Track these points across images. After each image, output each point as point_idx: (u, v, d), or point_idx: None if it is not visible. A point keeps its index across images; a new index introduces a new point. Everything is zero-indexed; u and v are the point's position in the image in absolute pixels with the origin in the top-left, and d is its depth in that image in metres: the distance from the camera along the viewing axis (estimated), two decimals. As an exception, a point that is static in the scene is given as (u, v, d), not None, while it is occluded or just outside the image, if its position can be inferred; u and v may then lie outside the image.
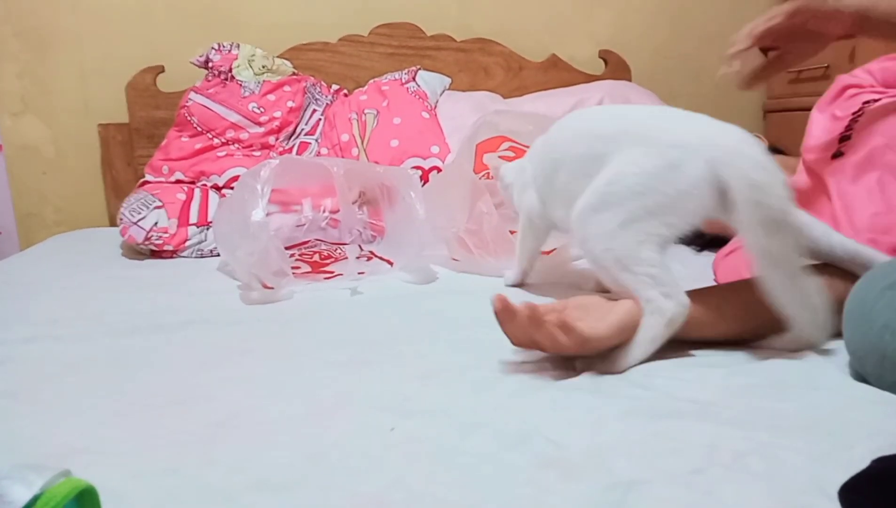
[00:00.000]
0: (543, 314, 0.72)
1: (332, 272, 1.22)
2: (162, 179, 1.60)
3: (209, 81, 1.67)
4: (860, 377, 0.66)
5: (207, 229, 1.41)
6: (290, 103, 1.69)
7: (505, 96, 1.89)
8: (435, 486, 0.51)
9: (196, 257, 1.39)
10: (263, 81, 1.68)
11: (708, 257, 1.19)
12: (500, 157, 1.36)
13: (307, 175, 1.39)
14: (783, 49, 0.95)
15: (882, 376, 0.63)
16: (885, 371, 0.62)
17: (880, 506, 0.42)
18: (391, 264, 1.23)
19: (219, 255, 1.33)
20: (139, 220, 1.38)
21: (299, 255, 1.34)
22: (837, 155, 0.94)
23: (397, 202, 1.26)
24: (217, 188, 1.56)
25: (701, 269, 1.11)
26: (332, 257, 1.32)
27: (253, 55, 1.69)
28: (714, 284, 0.96)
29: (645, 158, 0.77)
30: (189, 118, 1.63)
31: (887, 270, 0.66)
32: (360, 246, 1.37)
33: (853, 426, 0.57)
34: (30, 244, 1.73)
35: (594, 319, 0.73)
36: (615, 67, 2.03)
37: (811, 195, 0.97)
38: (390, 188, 1.30)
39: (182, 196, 1.48)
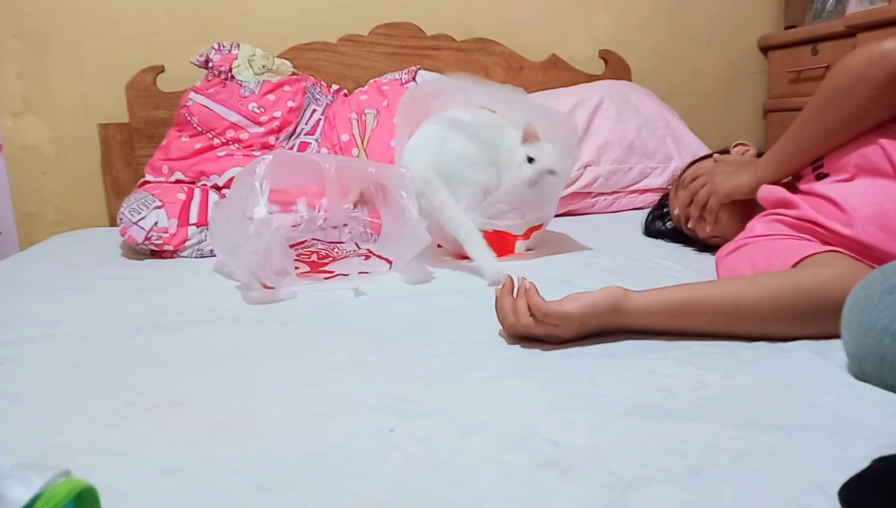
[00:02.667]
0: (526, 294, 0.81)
1: (331, 272, 1.22)
2: (162, 178, 1.60)
3: (209, 80, 1.66)
4: (859, 377, 0.66)
5: (207, 228, 1.41)
6: (290, 103, 1.69)
7: (505, 96, 1.89)
8: (435, 486, 0.51)
9: (196, 257, 1.39)
10: (263, 80, 1.68)
11: (709, 257, 1.19)
12: None
13: (306, 175, 1.39)
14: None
15: (881, 378, 0.63)
16: (885, 374, 0.62)
17: (881, 506, 0.42)
18: (390, 262, 1.23)
19: (219, 255, 1.33)
20: (139, 220, 1.38)
21: (296, 255, 1.33)
22: (822, 176, 0.99)
23: (392, 201, 1.26)
24: (217, 188, 1.56)
25: (702, 268, 1.12)
26: (329, 256, 1.32)
27: (253, 55, 1.69)
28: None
29: None
30: (189, 118, 1.63)
31: (888, 273, 0.66)
32: (357, 244, 1.37)
33: (853, 426, 0.57)
34: (30, 244, 1.73)
35: (570, 300, 0.80)
36: (615, 67, 2.03)
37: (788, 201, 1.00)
38: (385, 187, 1.29)
39: (182, 196, 1.48)
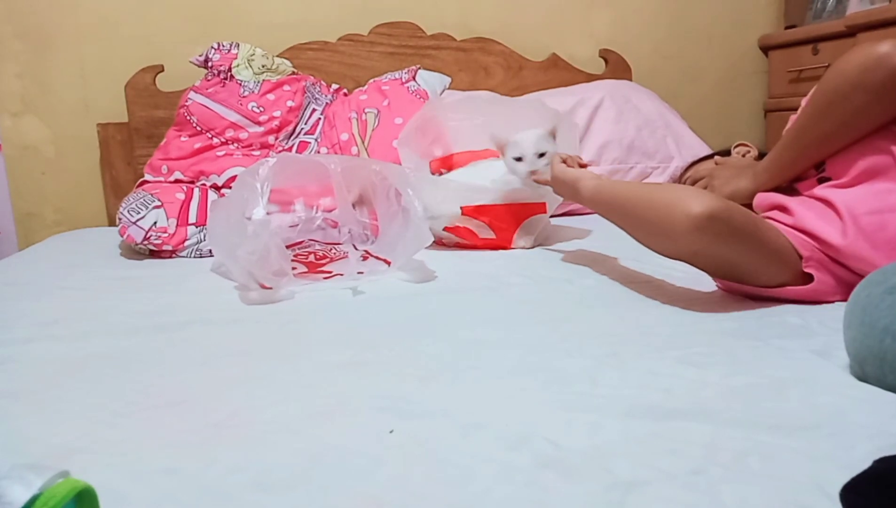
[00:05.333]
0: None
1: (330, 272, 1.22)
2: (161, 178, 1.60)
3: (209, 80, 1.66)
4: (860, 377, 0.66)
5: (206, 228, 1.41)
6: (289, 103, 1.69)
7: (505, 96, 1.89)
8: (435, 486, 0.51)
9: (195, 257, 1.39)
10: (263, 80, 1.68)
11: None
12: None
13: (307, 174, 1.39)
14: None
15: (882, 379, 0.63)
16: (885, 374, 0.62)
17: (881, 507, 0.41)
18: (388, 263, 1.23)
19: (218, 255, 1.33)
20: (138, 220, 1.38)
21: (293, 256, 1.33)
22: (823, 180, 0.98)
23: (390, 200, 1.26)
24: (216, 188, 1.56)
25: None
26: (327, 257, 1.32)
27: (252, 54, 1.69)
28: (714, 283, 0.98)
29: None
30: (188, 118, 1.63)
31: (888, 273, 0.66)
32: (353, 245, 1.37)
33: (854, 427, 0.57)
34: (29, 244, 1.73)
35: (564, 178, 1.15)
36: (615, 67, 2.03)
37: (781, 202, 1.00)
38: (378, 185, 1.30)
39: (181, 196, 1.48)
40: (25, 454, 0.59)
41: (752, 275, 0.90)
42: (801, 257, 0.90)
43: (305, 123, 1.70)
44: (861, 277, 0.87)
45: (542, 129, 1.35)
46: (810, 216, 0.93)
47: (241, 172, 1.19)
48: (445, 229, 1.36)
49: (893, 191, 0.90)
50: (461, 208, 1.34)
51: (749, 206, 1.09)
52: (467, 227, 1.35)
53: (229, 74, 1.66)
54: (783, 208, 0.99)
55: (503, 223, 1.34)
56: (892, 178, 0.90)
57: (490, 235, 1.34)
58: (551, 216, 1.42)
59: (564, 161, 1.18)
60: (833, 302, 0.90)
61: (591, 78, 1.98)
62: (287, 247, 1.37)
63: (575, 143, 1.43)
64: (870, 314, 0.63)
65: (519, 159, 1.33)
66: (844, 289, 0.91)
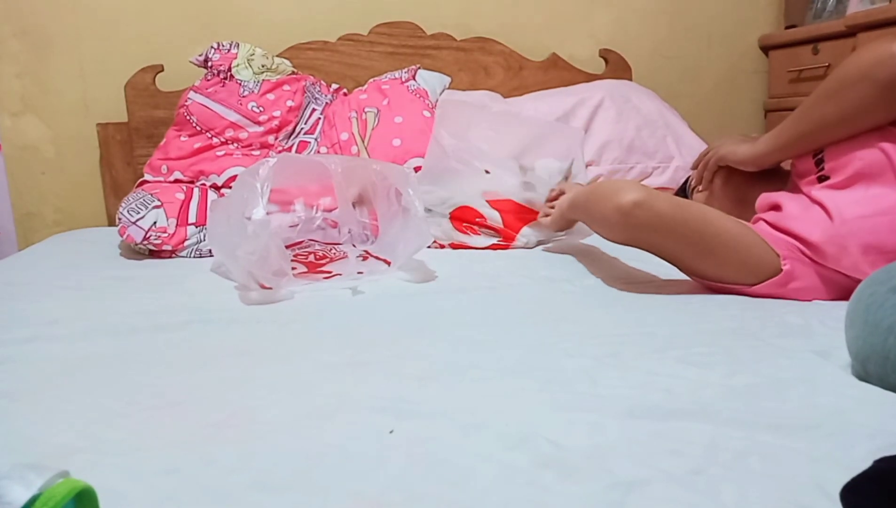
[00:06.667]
0: None
1: (329, 272, 1.22)
2: (161, 178, 1.59)
3: (208, 80, 1.66)
4: (861, 376, 0.66)
5: (206, 228, 1.41)
6: (289, 102, 1.68)
7: (505, 96, 1.89)
8: (435, 486, 0.51)
9: (195, 257, 1.39)
10: (263, 80, 1.68)
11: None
12: None
13: (306, 174, 1.39)
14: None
15: (885, 378, 0.63)
16: (888, 373, 0.62)
17: (882, 507, 0.41)
18: (388, 263, 1.23)
19: (218, 255, 1.33)
20: (138, 219, 1.37)
21: (293, 256, 1.33)
22: (823, 179, 0.98)
23: (390, 200, 1.26)
24: (216, 188, 1.56)
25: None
26: (327, 257, 1.32)
27: (252, 54, 1.69)
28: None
29: None
30: (188, 117, 1.63)
31: (893, 272, 0.65)
32: (353, 245, 1.37)
33: (854, 426, 0.57)
34: (29, 244, 1.73)
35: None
36: (616, 67, 2.03)
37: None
38: (378, 185, 1.30)
39: (181, 196, 1.48)
40: (25, 454, 0.59)
41: (703, 269, 0.95)
42: (779, 256, 0.91)
43: (305, 123, 1.70)
44: (844, 277, 0.88)
45: (559, 179, 1.47)
46: (797, 214, 0.93)
47: (241, 172, 1.19)
48: (454, 210, 1.40)
49: (887, 195, 0.89)
50: (482, 192, 1.40)
51: (746, 183, 1.11)
52: (477, 209, 1.37)
53: (229, 73, 1.66)
54: (777, 207, 0.99)
55: (515, 220, 1.37)
56: (886, 182, 0.90)
57: (498, 223, 1.36)
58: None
59: (546, 215, 1.34)
60: (811, 301, 0.90)
61: (591, 78, 1.98)
62: (287, 247, 1.36)
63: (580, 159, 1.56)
64: (873, 314, 0.63)
65: (528, 182, 1.44)
66: (824, 289, 0.91)
